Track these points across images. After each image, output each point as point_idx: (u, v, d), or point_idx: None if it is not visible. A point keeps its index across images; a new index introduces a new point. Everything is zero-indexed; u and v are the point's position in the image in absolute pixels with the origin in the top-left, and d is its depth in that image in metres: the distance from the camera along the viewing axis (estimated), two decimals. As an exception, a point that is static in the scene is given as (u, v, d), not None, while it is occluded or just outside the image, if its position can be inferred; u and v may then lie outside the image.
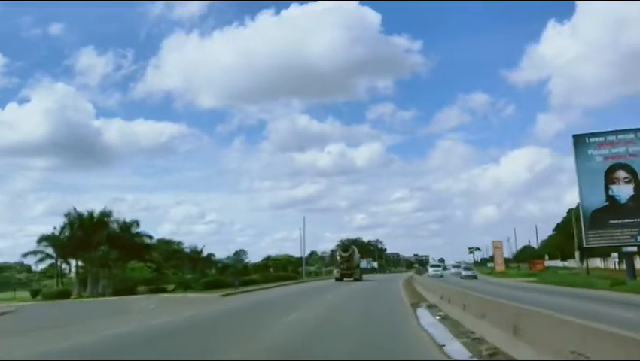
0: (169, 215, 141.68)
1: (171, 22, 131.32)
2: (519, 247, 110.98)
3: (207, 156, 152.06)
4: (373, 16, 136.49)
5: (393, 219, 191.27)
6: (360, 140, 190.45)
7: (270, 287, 38.35)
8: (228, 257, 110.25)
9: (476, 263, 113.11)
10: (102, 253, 40.86)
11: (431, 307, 18.24)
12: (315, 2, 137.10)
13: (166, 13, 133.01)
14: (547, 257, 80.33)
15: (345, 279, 49.92)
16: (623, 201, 38.49)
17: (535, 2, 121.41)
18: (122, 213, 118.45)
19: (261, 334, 12.44)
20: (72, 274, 46.11)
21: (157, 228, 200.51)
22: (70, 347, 11.58)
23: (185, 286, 40.03)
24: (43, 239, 43.65)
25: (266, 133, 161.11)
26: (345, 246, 58.43)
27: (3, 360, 10.46)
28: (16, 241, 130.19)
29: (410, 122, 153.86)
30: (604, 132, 39.62)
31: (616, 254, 62.71)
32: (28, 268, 78.45)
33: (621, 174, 38.54)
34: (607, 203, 38.80)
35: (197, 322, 16.14)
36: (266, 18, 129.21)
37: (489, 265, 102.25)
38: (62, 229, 44.11)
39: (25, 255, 44.78)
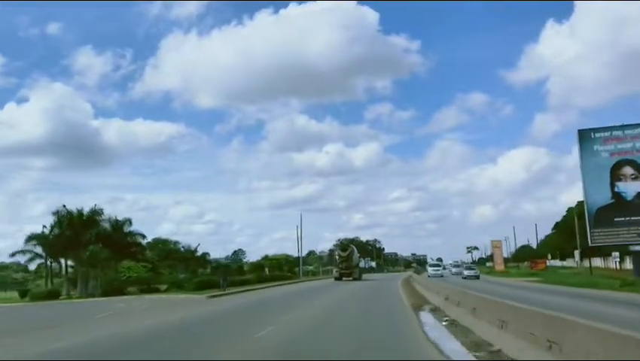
0: (168, 215, 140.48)
1: (169, 21, 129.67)
2: (517, 246, 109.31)
3: (206, 156, 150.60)
4: (371, 16, 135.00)
5: (391, 219, 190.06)
6: (358, 140, 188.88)
7: (262, 288, 36.24)
8: (227, 257, 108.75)
9: (474, 263, 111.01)
10: (90, 252, 38.76)
11: (436, 310, 16.31)
12: (314, 2, 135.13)
13: (164, 12, 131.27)
14: (550, 256, 77.99)
15: (344, 278, 48.92)
16: (629, 199, 36.62)
17: (534, 2, 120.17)
18: (121, 212, 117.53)
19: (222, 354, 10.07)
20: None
21: (157, 227, 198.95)
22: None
23: (177, 287, 38.11)
24: (31, 238, 41.65)
25: (265, 133, 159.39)
26: (344, 245, 56.87)
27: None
28: (15, 241, 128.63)
29: (408, 122, 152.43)
30: (611, 127, 37.71)
31: (617, 253, 60.87)
32: (25, 268, 76.68)
33: (628, 170, 36.66)
34: (612, 200, 36.95)
35: (159, 331, 13.82)
36: (264, 17, 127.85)
37: (488, 264, 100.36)
38: (52, 227, 42.20)
39: (13, 254, 42.68)
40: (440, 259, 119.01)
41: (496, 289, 27.28)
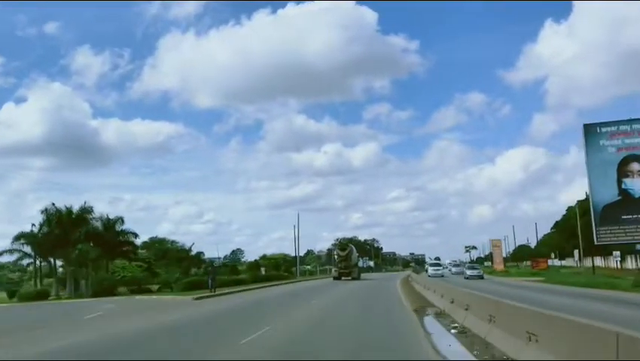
0: (167, 215, 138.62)
1: (167, 21, 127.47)
2: (519, 244, 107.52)
3: (204, 156, 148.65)
4: (369, 16, 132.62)
5: (389, 219, 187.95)
6: (356, 140, 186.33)
7: (256, 288, 34.17)
8: (225, 256, 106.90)
9: (471, 262, 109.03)
10: (79, 251, 36.85)
11: (441, 315, 14.41)
12: (312, 2, 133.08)
13: (162, 12, 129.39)
14: (553, 256, 75.75)
15: (343, 278, 47.90)
16: (637, 196, 34.57)
17: (532, 2, 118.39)
18: (120, 212, 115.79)
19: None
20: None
21: (156, 227, 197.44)
22: None
23: (169, 287, 36.26)
24: (19, 237, 39.71)
25: (263, 133, 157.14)
26: (343, 245, 55.49)
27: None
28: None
29: (407, 122, 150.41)
30: (617, 121, 35.70)
31: (618, 253, 59.04)
32: (22, 268, 74.96)
33: (635, 166, 34.66)
34: (619, 197, 34.88)
35: (126, 341, 11.71)
36: (262, 17, 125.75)
37: (486, 263, 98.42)
38: (41, 226, 40.27)
39: (0, 253, 40.77)
40: (438, 259, 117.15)
41: (504, 291, 25.19)
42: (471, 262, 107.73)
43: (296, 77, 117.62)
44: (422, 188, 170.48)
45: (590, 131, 36.13)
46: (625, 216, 34.61)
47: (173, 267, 47.07)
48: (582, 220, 63.92)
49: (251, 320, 14.58)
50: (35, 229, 39.95)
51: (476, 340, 9.64)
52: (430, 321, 13.39)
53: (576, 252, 71.04)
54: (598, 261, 69.96)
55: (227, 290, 30.71)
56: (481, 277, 47.08)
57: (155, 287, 40.11)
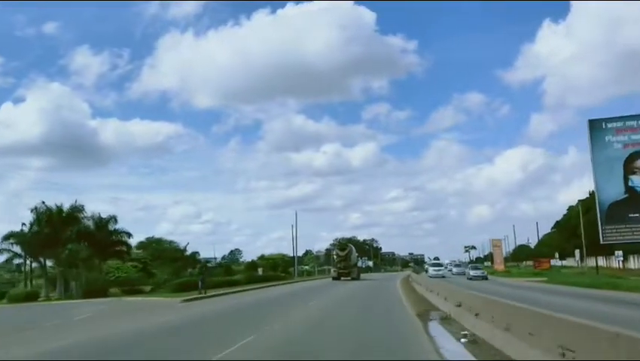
0: (166, 215, 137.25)
1: (166, 21, 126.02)
2: (514, 245, 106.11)
3: (203, 156, 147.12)
4: (368, 16, 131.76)
5: (388, 219, 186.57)
6: (355, 140, 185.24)
7: (250, 289, 32.54)
8: (224, 256, 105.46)
9: (471, 262, 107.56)
10: (69, 251, 35.40)
11: (447, 320, 12.97)
12: (311, 2, 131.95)
13: (161, 12, 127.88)
14: (556, 255, 74.00)
15: (342, 278, 46.89)
16: (644, 193, 33.27)
17: (530, 2, 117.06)
18: (119, 212, 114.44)
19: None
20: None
21: (155, 227, 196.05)
22: None
23: (160, 288, 34.86)
24: (9, 236, 38.27)
25: (262, 133, 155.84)
26: (343, 244, 54.23)
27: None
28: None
29: (405, 122, 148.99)
30: (624, 117, 34.34)
31: (620, 252, 57.59)
32: (18, 269, 73.64)
33: (642, 162, 33.35)
34: (626, 195, 33.56)
35: (95, 350, 10.32)
36: (261, 17, 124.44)
37: (486, 263, 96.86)
38: (32, 225, 38.85)
39: (-11, 253, 39.34)
40: (437, 259, 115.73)
41: (511, 292, 23.51)
42: (473, 261, 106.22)
43: (295, 77, 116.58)
44: (421, 188, 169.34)
45: (595, 127, 34.77)
46: (632, 215, 33.29)
47: (167, 267, 45.63)
48: (584, 219, 62.63)
49: (236, 326, 13.15)
50: (26, 228, 38.63)
51: (492, 352, 8.21)
52: (435, 328, 11.95)
53: (577, 252, 69.77)
54: (600, 261, 68.48)
55: (220, 291, 29.16)
56: (485, 278, 44.69)
57: (147, 288, 38.84)
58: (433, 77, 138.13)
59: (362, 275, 56.63)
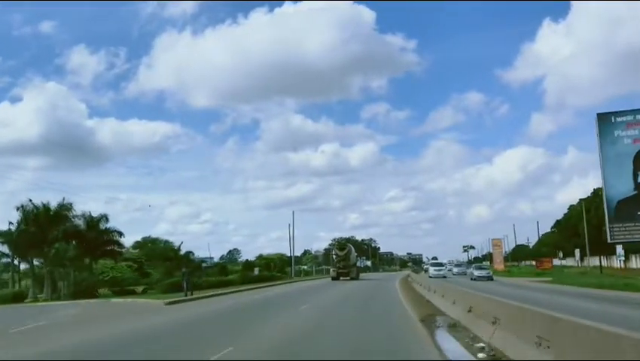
0: (164, 215, 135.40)
1: (163, 20, 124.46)
2: (514, 245, 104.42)
3: (201, 156, 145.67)
4: (367, 15, 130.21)
5: (386, 219, 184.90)
6: (354, 140, 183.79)
7: (242, 290, 30.58)
8: (222, 256, 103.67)
9: (470, 262, 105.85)
10: (56, 250, 33.58)
11: (456, 328, 11.19)
12: (309, 1, 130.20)
13: (158, 11, 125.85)
14: (561, 255, 71.86)
15: (341, 278, 45.90)
16: (655, 190, 31.49)
17: (530, 1, 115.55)
18: (118, 213, 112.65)
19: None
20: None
21: (154, 227, 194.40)
22: None
23: (152, 288, 33.11)
24: (-5, 235, 36.47)
25: (260, 133, 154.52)
26: (342, 244, 52.89)
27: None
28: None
29: (404, 122, 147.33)
30: (634, 110, 32.55)
31: (622, 251, 55.78)
32: (15, 269, 71.88)
33: (653, 158, 31.58)
34: (635, 192, 31.79)
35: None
36: (259, 16, 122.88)
37: (485, 263, 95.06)
38: (19, 223, 36.98)
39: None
40: (435, 258, 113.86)
41: (520, 294, 21.31)
42: (471, 261, 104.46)
43: (293, 76, 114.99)
44: (420, 188, 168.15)
45: (604, 122, 33.01)
46: (642, 213, 31.52)
47: (161, 267, 43.83)
48: (589, 217, 60.92)
49: (213, 335, 11.35)
50: (13, 227, 36.82)
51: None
52: (444, 337, 10.16)
53: (577, 251, 68.00)
54: (601, 261, 66.74)
55: (207, 293, 27.22)
56: (490, 279, 41.65)
57: (140, 288, 37.16)
58: (432, 76, 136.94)
59: (361, 275, 55.17)
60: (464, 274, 56.41)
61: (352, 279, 45.88)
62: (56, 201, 37.07)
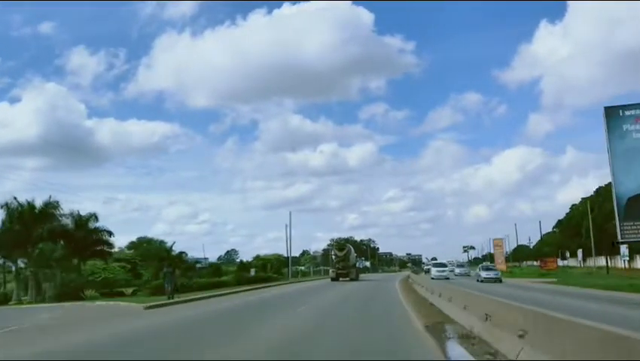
0: (162, 215, 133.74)
1: (162, 21, 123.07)
2: (514, 245, 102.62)
3: (200, 156, 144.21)
4: (366, 17, 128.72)
5: (385, 219, 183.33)
6: (352, 140, 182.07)
7: (232, 293, 28.48)
8: (220, 257, 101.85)
9: (470, 262, 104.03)
10: (39, 250, 31.77)
11: (469, 339, 9.38)
12: (308, 2, 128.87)
13: (158, 12, 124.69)
14: (568, 255, 70.08)
15: (341, 279, 44.91)
16: (667, 186, 29.62)
17: (528, 2, 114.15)
18: (116, 213, 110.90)
19: None
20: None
21: (152, 227, 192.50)
22: None
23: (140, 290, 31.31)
24: (-22, 234, 34.52)
25: (259, 133, 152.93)
26: (341, 244, 51.36)
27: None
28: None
29: (403, 122, 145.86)
30: (644, 103, 30.74)
31: (626, 251, 54.17)
32: (8, 270, 70.16)
33: (665, 152, 29.70)
34: (647, 188, 29.91)
35: None
36: (258, 18, 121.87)
37: (491, 264, 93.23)
38: (4, 222, 35.13)
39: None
40: (434, 259, 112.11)
41: (543, 299, 19.27)
42: (471, 261, 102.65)
43: (292, 77, 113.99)
44: (418, 188, 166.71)
45: (612, 115, 31.05)
46: (654, 210, 29.65)
47: (154, 268, 42.03)
48: (587, 218, 59.29)
49: (184, 347, 9.53)
50: (-2, 227, 34.98)
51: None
52: (457, 351, 8.36)
53: (579, 251, 66.32)
54: (604, 261, 65.06)
55: (197, 295, 25.29)
56: (499, 281, 38.90)
57: (130, 290, 35.37)
58: (430, 77, 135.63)
59: (361, 276, 53.84)
60: (468, 275, 54.43)
61: (352, 280, 44.85)
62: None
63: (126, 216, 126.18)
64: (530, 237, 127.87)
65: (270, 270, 57.44)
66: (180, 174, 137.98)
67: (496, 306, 9.25)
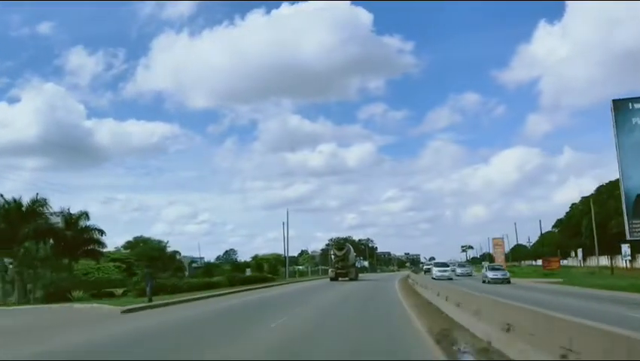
0: (161, 215, 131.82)
1: (161, 21, 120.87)
2: (513, 245, 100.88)
3: (199, 156, 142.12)
4: (364, 17, 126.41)
5: (384, 219, 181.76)
6: (351, 140, 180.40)
7: (221, 295, 26.42)
8: (219, 257, 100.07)
9: (469, 262, 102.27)
10: (25, 249, 29.98)
11: (487, 353, 7.62)
12: (306, 2, 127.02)
13: (157, 12, 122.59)
14: (573, 254, 68.01)
15: (340, 279, 43.91)
16: (678, 181, 27.95)
17: (526, 3, 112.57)
18: (115, 213, 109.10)
19: None
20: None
21: (151, 228, 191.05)
22: None
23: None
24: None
25: (258, 133, 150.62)
26: (341, 244, 49.89)
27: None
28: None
29: (402, 123, 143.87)
30: (654, 95, 29.08)
31: (628, 251, 52.45)
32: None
33: (676, 146, 28.02)
34: (657, 184, 28.23)
35: None
36: (256, 18, 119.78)
37: (484, 263, 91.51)
38: (-10, 221, 33.33)
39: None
40: (433, 258, 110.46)
41: (564, 303, 17.43)
42: (470, 261, 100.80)
43: (291, 77, 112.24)
44: (417, 188, 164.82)
45: (620, 108, 29.39)
46: (665, 207, 27.98)
47: (143, 268, 40.25)
48: (587, 217, 57.57)
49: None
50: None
51: None
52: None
53: (580, 251, 64.59)
54: (604, 260, 63.35)
55: (182, 297, 23.28)
56: (508, 282, 36.06)
57: (121, 291, 33.63)
58: (429, 77, 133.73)
59: (360, 276, 52.40)
60: (470, 275, 52.37)
61: (351, 280, 43.72)
62: (59, 203, 33.71)
63: (127, 216, 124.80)
64: (529, 236, 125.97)
65: (267, 270, 55.62)
66: (179, 174, 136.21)
67: (523, 314, 7.47)
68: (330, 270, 47.88)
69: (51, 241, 33.57)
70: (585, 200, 62.51)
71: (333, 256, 47.37)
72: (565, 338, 5.58)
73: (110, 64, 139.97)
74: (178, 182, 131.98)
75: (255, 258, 76.34)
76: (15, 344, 10.31)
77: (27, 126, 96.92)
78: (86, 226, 36.25)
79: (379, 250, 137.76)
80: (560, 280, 36.05)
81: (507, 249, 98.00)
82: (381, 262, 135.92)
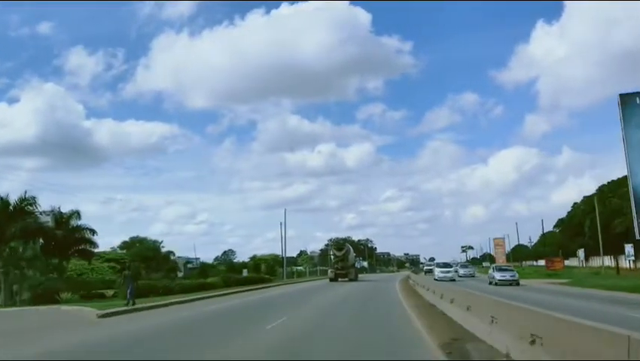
0: (160, 215, 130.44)
1: (160, 21, 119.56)
2: (514, 245, 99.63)
3: (198, 157, 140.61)
4: (363, 17, 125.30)
5: (383, 219, 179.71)
6: (350, 140, 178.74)
7: (212, 296, 25.13)
8: (217, 257, 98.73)
9: (469, 262, 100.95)
10: (10, 249, 28.68)
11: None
12: (306, 2, 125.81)
13: (156, 12, 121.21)
14: (579, 253, 66.32)
15: (339, 279, 43.28)
16: (688, 179, 26.69)
17: (524, 3, 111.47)
18: (114, 213, 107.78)
19: None
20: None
21: (149, 228, 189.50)
22: None
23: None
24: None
25: (257, 133, 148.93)
26: (340, 244, 48.77)
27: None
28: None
29: (400, 123, 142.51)
30: (664, 89, 27.82)
31: (631, 250, 51.12)
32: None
33: (686, 142, 26.77)
34: (667, 181, 26.97)
35: None
36: (256, 18, 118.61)
37: (484, 264, 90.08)
38: (-23, 220, 31.97)
39: None
40: (432, 259, 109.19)
41: (587, 307, 15.78)
42: (469, 261, 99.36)
43: (290, 77, 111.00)
44: (416, 188, 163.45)
45: (628, 103, 28.22)
46: (675, 205, 26.70)
47: (141, 269, 38.96)
48: (590, 217, 56.33)
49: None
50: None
51: None
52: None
53: (581, 251, 63.32)
54: (606, 261, 61.97)
55: (168, 300, 21.71)
56: (517, 283, 33.37)
57: (111, 292, 32.36)
58: (428, 77, 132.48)
59: (359, 276, 51.28)
60: (473, 276, 50.61)
61: (351, 280, 42.95)
62: (58, 203, 32.42)
63: (125, 216, 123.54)
64: (530, 236, 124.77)
65: (265, 270, 54.25)
66: (178, 174, 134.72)
67: (552, 323, 6.13)
68: (329, 270, 47.09)
69: (41, 240, 32.42)
70: (587, 199, 61.18)
71: (332, 257, 46.64)
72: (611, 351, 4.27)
73: (109, 64, 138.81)
74: (177, 182, 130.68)
75: (253, 258, 74.99)
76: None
77: (26, 126, 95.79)
78: (77, 226, 34.97)
79: (378, 251, 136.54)
80: (566, 280, 34.64)
81: (507, 249, 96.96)
82: (380, 262, 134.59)
